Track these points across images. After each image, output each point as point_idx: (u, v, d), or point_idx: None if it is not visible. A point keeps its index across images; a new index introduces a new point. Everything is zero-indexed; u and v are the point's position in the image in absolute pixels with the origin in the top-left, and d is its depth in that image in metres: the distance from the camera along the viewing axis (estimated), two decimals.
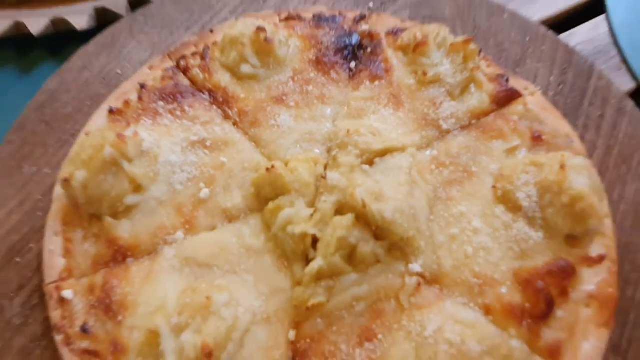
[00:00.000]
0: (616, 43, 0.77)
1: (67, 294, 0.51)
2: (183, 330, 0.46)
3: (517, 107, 0.62)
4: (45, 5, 0.77)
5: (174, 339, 0.46)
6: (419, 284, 0.51)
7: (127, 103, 0.63)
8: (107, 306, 0.50)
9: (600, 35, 0.78)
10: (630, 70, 0.74)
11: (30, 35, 0.76)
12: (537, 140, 0.60)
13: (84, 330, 0.50)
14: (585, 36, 0.78)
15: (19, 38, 0.77)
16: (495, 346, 0.46)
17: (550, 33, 0.72)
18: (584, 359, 0.48)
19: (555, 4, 0.81)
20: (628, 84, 0.73)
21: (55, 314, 0.51)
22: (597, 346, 0.49)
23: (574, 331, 0.49)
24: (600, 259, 0.53)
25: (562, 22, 0.81)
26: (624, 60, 0.75)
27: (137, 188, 0.56)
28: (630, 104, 0.64)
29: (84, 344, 0.49)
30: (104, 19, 0.77)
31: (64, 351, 0.49)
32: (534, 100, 0.64)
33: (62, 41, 0.78)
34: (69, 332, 0.50)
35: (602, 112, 0.64)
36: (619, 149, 0.61)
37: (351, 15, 0.72)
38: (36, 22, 0.75)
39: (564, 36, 0.77)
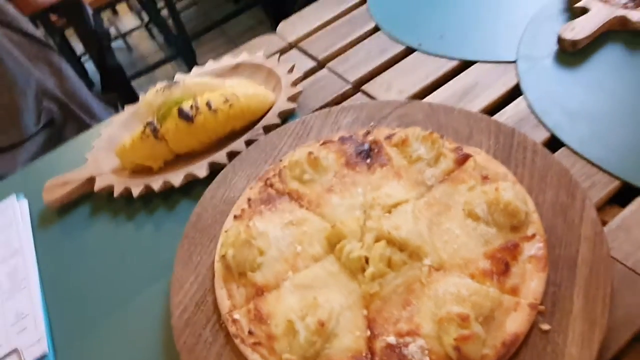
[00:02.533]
0: (532, 111, 1.19)
1: (237, 316, 0.91)
2: (305, 317, 0.84)
3: (470, 163, 1.03)
4: (179, 168, 1.27)
5: (302, 322, 0.84)
6: (430, 270, 0.88)
7: (242, 210, 1.07)
8: (260, 318, 0.88)
9: (521, 109, 1.20)
10: (544, 126, 1.15)
11: (171, 187, 1.24)
12: (485, 179, 0.99)
13: (250, 332, 0.87)
14: (512, 112, 1.20)
15: (163, 191, 1.26)
16: (477, 290, 0.82)
17: (486, 116, 1.14)
18: (532, 290, 0.82)
19: (488, 97, 1.25)
20: (544, 135, 1.14)
21: (232, 329, 0.90)
22: (539, 283, 0.83)
23: (524, 277, 0.84)
24: (533, 236, 0.89)
25: (495, 107, 1.24)
26: (540, 121, 1.17)
27: (261, 253, 0.97)
28: (540, 146, 1.03)
29: (251, 340, 0.87)
30: (214, 168, 1.25)
31: (242, 346, 0.87)
32: (480, 158, 1.04)
33: (190, 186, 1.26)
34: (242, 336, 0.88)
35: (524, 155, 1.03)
36: (537, 173, 0.99)
37: (361, 132, 1.17)
38: (176, 178, 1.24)
39: (497, 115, 1.20)
